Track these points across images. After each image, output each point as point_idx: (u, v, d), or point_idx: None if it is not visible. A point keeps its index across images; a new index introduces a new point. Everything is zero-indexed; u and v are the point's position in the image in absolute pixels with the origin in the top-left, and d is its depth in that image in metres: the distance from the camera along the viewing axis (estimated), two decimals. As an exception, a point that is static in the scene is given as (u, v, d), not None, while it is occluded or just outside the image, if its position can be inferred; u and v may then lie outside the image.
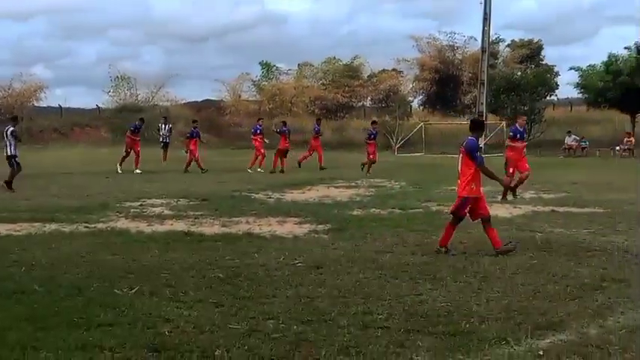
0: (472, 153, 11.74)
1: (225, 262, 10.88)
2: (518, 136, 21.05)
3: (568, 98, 68.16)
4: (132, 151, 30.88)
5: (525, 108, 53.65)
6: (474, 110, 57.83)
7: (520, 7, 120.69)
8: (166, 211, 17.12)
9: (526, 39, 72.62)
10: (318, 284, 9.34)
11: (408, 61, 72.74)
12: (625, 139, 48.53)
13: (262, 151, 31.94)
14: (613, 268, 10.26)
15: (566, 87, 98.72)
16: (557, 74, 63.44)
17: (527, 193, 21.09)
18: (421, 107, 74.70)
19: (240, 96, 70.69)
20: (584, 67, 58.76)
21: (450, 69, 70.62)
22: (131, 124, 33.08)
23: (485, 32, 54.00)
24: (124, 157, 30.68)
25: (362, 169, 30.70)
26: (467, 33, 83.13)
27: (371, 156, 30.72)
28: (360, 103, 73.20)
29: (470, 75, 67.00)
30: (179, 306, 8.24)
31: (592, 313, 7.92)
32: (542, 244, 12.32)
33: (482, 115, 52.51)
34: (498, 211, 17.12)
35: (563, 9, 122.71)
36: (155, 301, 8.45)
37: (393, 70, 73.55)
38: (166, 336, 7.12)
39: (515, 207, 17.95)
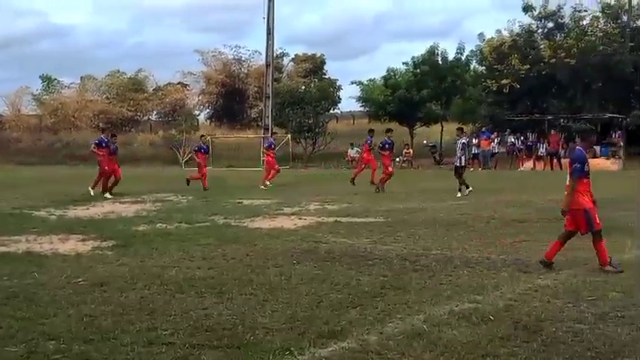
0: (575, 163, 11.47)
1: (2, 282, 10.41)
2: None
3: (351, 111, 70.33)
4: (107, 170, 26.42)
5: (310, 121, 54.87)
6: (260, 124, 58.55)
7: (303, 22, 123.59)
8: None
9: (309, 53, 74.23)
10: (102, 302, 9.12)
11: (194, 75, 72.74)
12: (404, 151, 50.56)
13: (276, 166, 31.13)
14: (392, 276, 10.62)
15: (349, 100, 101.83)
16: (339, 88, 65.25)
17: (312, 204, 21.53)
18: (208, 121, 74.76)
19: (19, 110, 68.12)
20: (365, 82, 60.88)
21: (236, 83, 71.14)
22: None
23: (269, 46, 54.81)
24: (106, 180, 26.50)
25: (352, 183, 28.64)
26: (252, 47, 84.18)
27: (390, 169, 27.81)
28: (146, 117, 72.32)
29: (256, 89, 67.75)
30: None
31: (372, 320, 8.16)
32: (325, 254, 12.59)
33: (269, 129, 53.24)
34: (284, 222, 17.42)
35: (345, 24, 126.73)
36: None
37: (179, 83, 73.25)
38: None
39: (300, 218, 18.26)
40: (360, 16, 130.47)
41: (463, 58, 55.52)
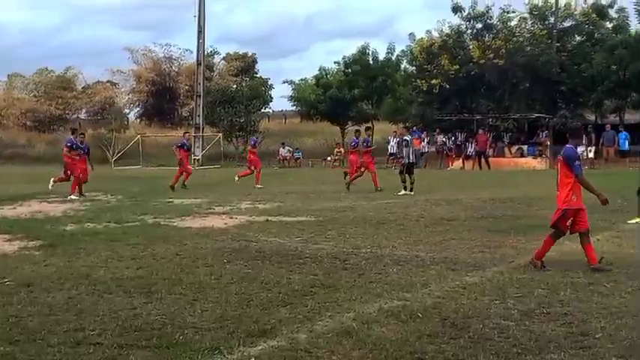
0: (571, 162, 11.17)
1: None
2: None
3: (282, 111, 70.40)
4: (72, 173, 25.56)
5: (241, 120, 54.76)
6: (191, 122, 58.25)
7: (234, 21, 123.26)
8: None
9: (241, 52, 74.10)
10: (28, 303, 8.97)
11: (124, 73, 72.06)
12: (335, 150, 50.76)
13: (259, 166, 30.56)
14: (322, 274, 10.66)
15: (281, 100, 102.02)
16: (271, 87, 65.27)
17: (244, 203, 21.49)
18: (138, 119, 74.12)
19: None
20: (297, 81, 60.94)
21: (166, 81, 70.69)
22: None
23: (200, 45, 54.54)
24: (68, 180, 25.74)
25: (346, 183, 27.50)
26: (183, 45, 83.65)
27: (361, 168, 27.31)
28: (75, 115, 71.32)
29: (187, 87, 67.45)
30: None
31: (302, 318, 8.18)
32: (256, 253, 12.58)
33: (200, 128, 53.04)
34: (214, 221, 17.36)
35: (277, 23, 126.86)
36: None
37: (109, 81, 72.46)
38: None
39: (231, 217, 18.21)
40: (292, 15, 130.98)
41: (394, 57, 55.96)
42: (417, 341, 7.26)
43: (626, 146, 43.18)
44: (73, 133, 28.28)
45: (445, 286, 9.81)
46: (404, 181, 25.13)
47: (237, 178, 30.12)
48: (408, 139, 26.35)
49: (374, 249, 13.05)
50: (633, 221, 16.32)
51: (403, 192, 24.70)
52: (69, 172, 25.68)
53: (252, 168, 30.26)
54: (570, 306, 8.58)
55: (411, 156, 25.78)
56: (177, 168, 29.12)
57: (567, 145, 11.52)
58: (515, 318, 8.09)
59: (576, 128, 13.44)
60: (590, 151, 42.81)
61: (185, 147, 30.19)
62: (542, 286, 9.62)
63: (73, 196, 24.23)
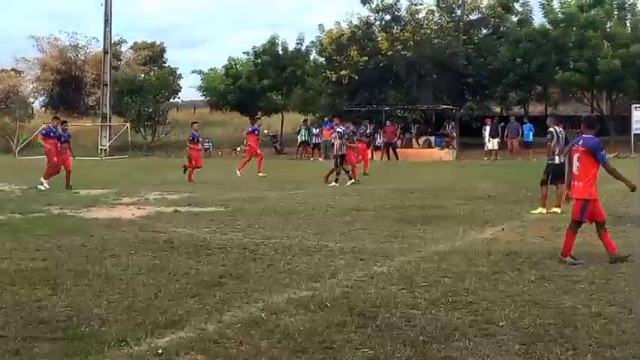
0: (596, 152, 10.84)
1: None
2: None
3: (192, 101, 69.79)
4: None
5: (149, 110, 54.18)
6: (97, 112, 57.42)
7: (143, 9, 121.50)
8: None
9: (149, 41, 73.15)
10: None
11: (29, 61, 70.40)
12: (245, 141, 50.52)
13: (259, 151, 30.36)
14: (231, 265, 10.64)
15: (190, 90, 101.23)
16: (180, 77, 64.63)
17: (152, 194, 21.27)
18: (43, 108, 72.58)
19: None
20: (206, 71, 60.46)
21: (72, 70, 69.39)
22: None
23: (107, 33, 53.73)
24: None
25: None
26: (89, 34, 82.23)
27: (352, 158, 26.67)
28: (-23, 104, 69.43)
29: (93, 76, 66.31)
30: None
31: (210, 309, 8.14)
32: (164, 244, 12.47)
33: (107, 117, 52.28)
34: (122, 212, 17.15)
35: (187, 12, 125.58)
36: None
37: (13, 69, 70.69)
38: None
39: (139, 208, 18.01)
40: (201, 4, 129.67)
41: (303, 48, 56.01)
42: (326, 331, 7.31)
43: (531, 138, 44.14)
44: (53, 120, 27.11)
45: (353, 275, 9.88)
46: (347, 171, 25.16)
47: (239, 173, 28.47)
48: (341, 130, 26.10)
49: (283, 239, 13.06)
50: (537, 211, 16.73)
51: (350, 182, 24.68)
52: (55, 159, 24.24)
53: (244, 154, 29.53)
54: (475, 294, 8.75)
55: (342, 147, 25.50)
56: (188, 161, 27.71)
57: (585, 135, 11.24)
58: (422, 307, 8.21)
59: (591, 117, 13.13)
60: (490, 142, 43.70)
61: (196, 139, 28.59)
62: (449, 275, 9.78)
63: (44, 184, 23.34)
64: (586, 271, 9.95)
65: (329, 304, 8.26)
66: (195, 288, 9.13)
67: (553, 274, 9.78)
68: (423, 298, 8.57)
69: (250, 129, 32.57)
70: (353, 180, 24.81)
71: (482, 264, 10.54)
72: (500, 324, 7.50)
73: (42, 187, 23.11)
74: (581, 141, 11.14)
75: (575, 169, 11.14)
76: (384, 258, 11.16)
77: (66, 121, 27.19)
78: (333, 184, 24.54)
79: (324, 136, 45.77)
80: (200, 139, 26.39)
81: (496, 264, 10.55)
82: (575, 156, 11.16)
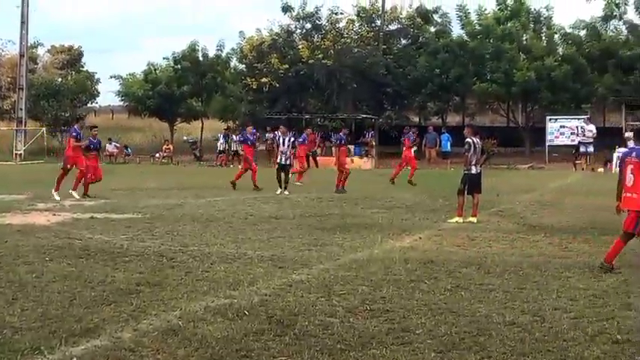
0: None
1: None
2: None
3: (110, 106, 68.89)
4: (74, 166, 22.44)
5: (66, 114, 53.35)
6: (13, 116, 56.15)
7: (60, 12, 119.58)
8: None
9: (66, 45, 71.85)
10: None
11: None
12: (164, 147, 50.22)
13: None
14: (148, 273, 10.51)
15: (108, 95, 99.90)
16: (98, 81, 63.65)
17: (68, 200, 20.92)
18: (-46, 111, 70.68)
19: None
20: (125, 76, 59.78)
21: (-14, 72, 67.64)
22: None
23: (23, 36, 52.68)
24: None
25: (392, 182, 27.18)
26: (4, 36, 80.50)
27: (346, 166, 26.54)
28: None
29: (9, 79, 64.72)
30: None
31: (126, 317, 8.04)
32: (80, 251, 12.26)
33: (22, 122, 51.28)
34: (36, 218, 16.85)
35: (106, 16, 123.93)
36: None
37: None
38: None
39: (54, 214, 17.70)
40: (121, 9, 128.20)
41: (224, 55, 55.86)
42: (243, 339, 7.29)
43: (448, 147, 44.84)
44: (77, 122, 25.73)
45: (272, 283, 9.88)
46: (279, 180, 24.57)
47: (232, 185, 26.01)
48: (281, 138, 25.48)
49: (201, 247, 12.99)
50: (453, 220, 16.96)
51: (279, 190, 24.16)
52: (68, 166, 22.40)
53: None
54: (392, 303, 8.82)
55: (283, 157, 24.81)
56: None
57: (638, 147, 11.33)
58: (340, 315, 8.25)
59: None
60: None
61: (249, 142, 28.06)
62: (366, 284, 9.85)
63: (74, 194, 21.86)
64: (500, 280, 10.12)
65: (247, 312, 8.24)
66: (111, 296, 9.01)
67: (469, 283, 9.92)
68: (340, 306, 8.60)
69: (242, 138, 31.29)
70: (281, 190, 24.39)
71: (399, 272, 10.63)
72: (417, 332, 7.58)
73: (76, 195, 21.83)
74: (634, 153, 11.21)
75: (629, 182, 11.07)
76: (302, 266, 11.18)
77: (96, 126, 26.09)
78: (286, 192, 24.05)
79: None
80: (100, 146, 25.31)
81: (413, 272, 10.65)
82: (629, 168, 11.10)
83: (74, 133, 23.19)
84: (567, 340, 7.33)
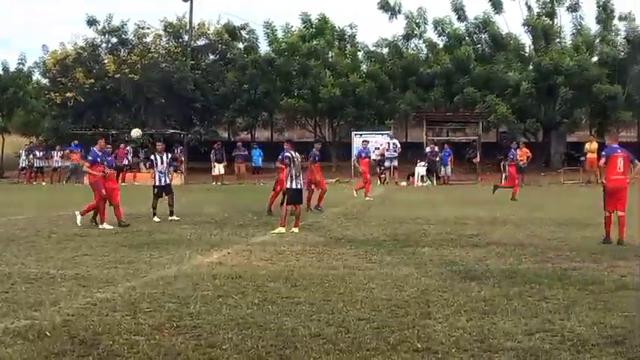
0: None
1: None
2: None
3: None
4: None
5: None
6: None
7: None
8: None
9: None
10: None
11: None
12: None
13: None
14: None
15: None
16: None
17: None
18: None
19: None
20: None
21: None
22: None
23: None
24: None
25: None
26: None
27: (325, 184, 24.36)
28: None
29: None
30: None
31: None
32: None
33: None
34: None
35: None
36: None
37: None
38: None
39: None
40: None
41: (25, 69, 54.12)
42: (44, 361, 7.07)
43: (260, 162, 45.24)
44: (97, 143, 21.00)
45: (76, 303, 9.61)
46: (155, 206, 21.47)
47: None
48: (157, 156, 21.93)
49: (1, 266, 12.50)
50: (276, 231, 17.18)
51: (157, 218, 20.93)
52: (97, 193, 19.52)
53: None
54: (200, 318, 8.78)
55: (162, 177, 21.64)
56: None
57: (618, 146, 13.25)
58: (146, 332, 8.13)
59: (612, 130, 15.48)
60: (215, 167, 43.87)
61: (364, 154, 31.78)
62: (173, 300, 9.75)
63: (104, 226, 18.99)
64: (307, 293, 10.27)
65: (49, 333, 7.98)
66: None
67: (276, 296, 10.00)
68: (147, 324, 8.48)
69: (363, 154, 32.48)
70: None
71: (207, 288, 10.60)
72: (223, 347, 7.58)
73: (105, 226, 18.99)
74: (619, 150, 13.25)
75: (620, 168, 13.32)
76: (108, 284, 10.94)
77: (109, 143, 23.22)
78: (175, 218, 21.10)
79: (73, 160, 43.97)
80: None
81: (221, 287, 10.65)
82: (620, 159, 13.22)
83: (93, 158, 20.16)
84: (370, 349, 7.52)
